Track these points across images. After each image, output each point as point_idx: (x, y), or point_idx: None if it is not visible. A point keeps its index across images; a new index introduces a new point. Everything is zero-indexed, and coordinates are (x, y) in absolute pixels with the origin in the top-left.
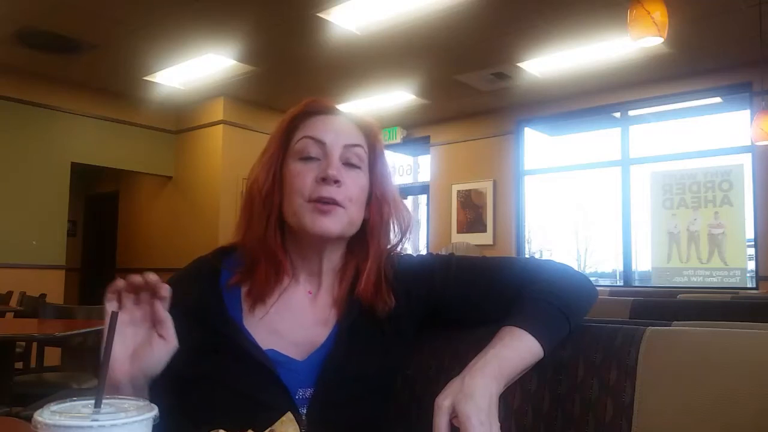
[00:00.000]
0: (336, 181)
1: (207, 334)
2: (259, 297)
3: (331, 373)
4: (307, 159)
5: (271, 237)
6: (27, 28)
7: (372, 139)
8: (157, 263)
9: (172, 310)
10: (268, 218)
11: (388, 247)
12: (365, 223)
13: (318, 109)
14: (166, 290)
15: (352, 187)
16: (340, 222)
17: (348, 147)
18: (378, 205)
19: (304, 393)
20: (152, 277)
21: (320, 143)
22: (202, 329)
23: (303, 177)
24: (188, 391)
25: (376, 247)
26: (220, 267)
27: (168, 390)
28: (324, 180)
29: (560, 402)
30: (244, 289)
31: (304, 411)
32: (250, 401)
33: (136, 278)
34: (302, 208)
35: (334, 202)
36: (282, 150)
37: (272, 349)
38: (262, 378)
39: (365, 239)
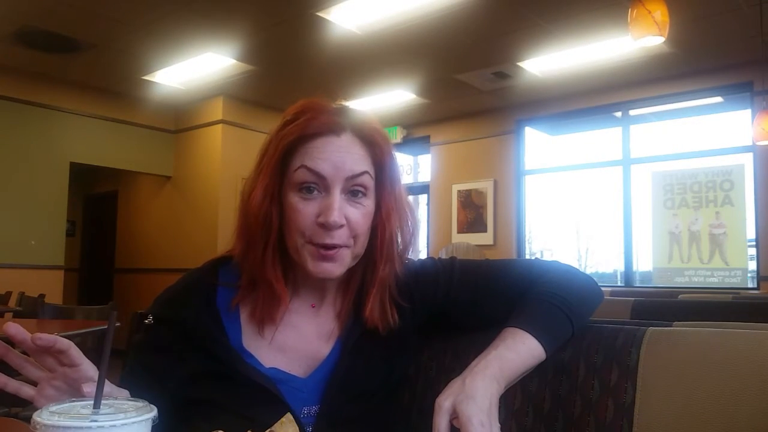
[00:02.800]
0: (340, 226)
1: (205, 360)
2: (266, 319)
3: (336, 390)
4: (307, 191)
5: (269, 266)
6: (25, 28)
7: (379, 155)
8: (156, 263)
9: (163, 336)
10: (265, 245)
11: (395, 261)
12: (374, 234)
13: (317, 129)
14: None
15: (357, 222)
16: (344, 264)
17: (351, 178)
18: (385, 224)
19: (309, 410)
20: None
21: (320, 176)
22: (200, 355)
23: (303, 215)
24: (188, 413)
25: (383, 273)
26: (216, 284)
27: (164, 410)
28: (325, 225)
29: (561, 403)
30: (244, 310)
31: (310, 429)
32: (254, 423)
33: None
34: (303, 249)
35: (338, 247)
36: (279, 175)
37: (274, 368)
38: (265, 400)
39: (373, 254)
